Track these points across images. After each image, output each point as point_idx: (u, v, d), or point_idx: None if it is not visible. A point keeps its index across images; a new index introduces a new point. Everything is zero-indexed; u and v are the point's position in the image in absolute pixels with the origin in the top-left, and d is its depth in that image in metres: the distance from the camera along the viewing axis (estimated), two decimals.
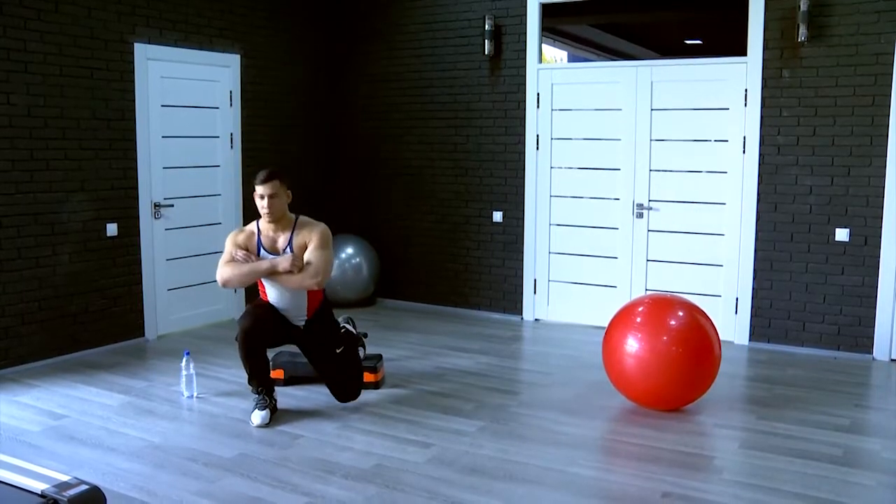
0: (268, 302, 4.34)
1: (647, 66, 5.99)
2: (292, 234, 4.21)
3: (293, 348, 5.33)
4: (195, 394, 4.64)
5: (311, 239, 4.19)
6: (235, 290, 6.47)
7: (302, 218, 4.29)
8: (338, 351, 4.44)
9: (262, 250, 4.22)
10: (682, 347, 4.16)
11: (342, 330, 4.60)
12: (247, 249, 4.22)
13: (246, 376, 4.30)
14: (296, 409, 4.43)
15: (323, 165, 7.35)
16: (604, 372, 4.58)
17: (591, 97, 6.21)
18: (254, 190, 4.18)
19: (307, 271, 4.12)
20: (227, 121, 6.36)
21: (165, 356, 5.45)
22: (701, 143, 5.86)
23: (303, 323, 4.36)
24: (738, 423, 4.22)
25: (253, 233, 4.26)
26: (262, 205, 4.14)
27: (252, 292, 4.46)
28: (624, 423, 4.26)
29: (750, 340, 5.78)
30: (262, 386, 4.26)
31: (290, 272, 4.11)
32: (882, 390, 4.83)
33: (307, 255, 4.16)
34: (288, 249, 4.19)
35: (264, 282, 4.30)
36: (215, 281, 6.33)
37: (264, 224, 4.23)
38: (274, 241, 4.23)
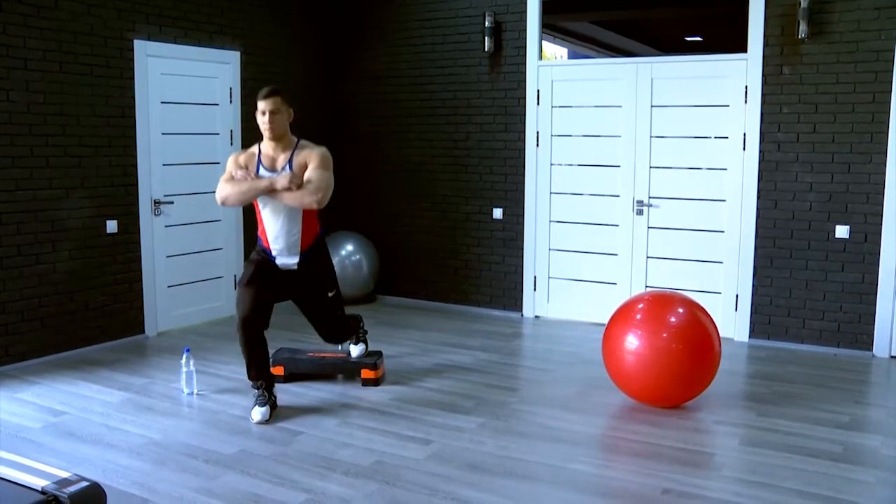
0: (264, 247, 4.27)
1: (647, 63, 5.99)
2: (293, 153, 4.16)
3: (293, 345, 5.34)
4: (195, 390, 4.65)
5: (311, 159, 4.13)
6: (235, 284, 6.47)
7: (303, 141, 4.25)
8: (330, 294, 4.43)
9: (261, 168, 4.16)
10: (682, 344, 4.16)
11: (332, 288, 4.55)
12: (246, 168, 4.17)
13: (245, 368, 4.29)
14: (296, 405, 4.43)
15: None
16: (604, 369, 4.58)
17: (592, 94, 6.21)
18: (255, 107, 4.14)
19: (307, 188, 4.05)
20: (227, 117, 6.35)
21: (165, 353, 5.45)
22: (701, 140, 5.86)
23: (296, 262, 4.27)
24: (738, 420, 4.23)
25: (254, 153, 4.22)
26: (263, 121, 4.09)
27: (250, 248, 4.40)
28: (624, 420, 4.26)
29: (750, 337, 5.78)
30: (261, 377, 4.26)
31: (288, 189, 4.04)
32: (882, 387, 4.83)
33: (307, 174, 4.09)
34: (287, 167, 4.13)
35: (261, 206, 4.21)
36: (216, 277, 6.40)
37: (265, 144, 4.19)
38: (274, 161, 4.17)
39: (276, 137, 4.14)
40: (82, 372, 5.02)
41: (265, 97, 4.09)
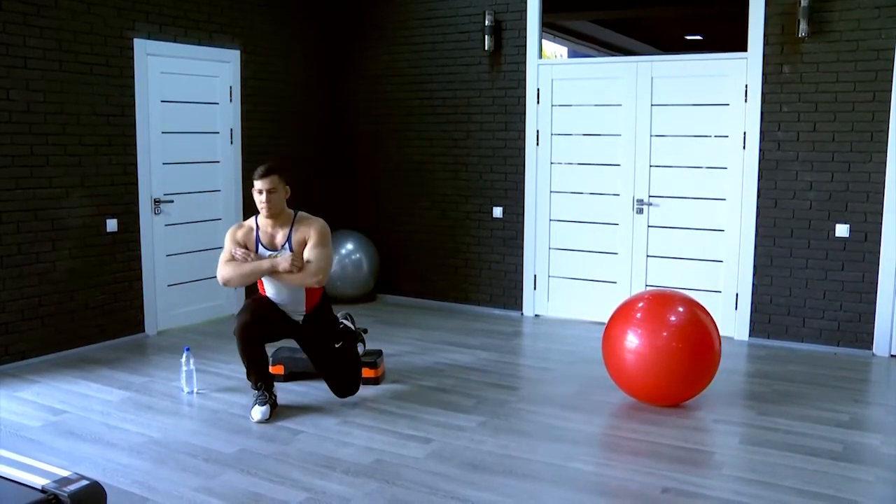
0: (266, 296, 4.34)
1: (647, 62, 5.98)
2: (291, 230, 4.19)
3: (293, 344, 5.34)
4: (195, 389, 4.65)
5: (310, 236, 4.17)
6: (236, 289, 6.47)
7: (301, 214, 4.28)
8: (336, 346, 4.44)
9: (260, 247, 4.21)
10: (681, 343, 4.16)
11: (341, 326, 4.60)
12: (245, 246, 4.21)
13: (245, 371, 4.30)
14: (296, 404, 4.43)
15: (322, 161, 7.34)
16: (604, 367, 4.58)
17: (592, 93, 6.20)
18: (252, 185, 4.17)
19: (307, 270, 4.11)
20: (227, 116, 6.35)
21: (165, 352, 5.45)
22: (701, 139, 5.85)
23: (301, 318, 4.35)
24: (738, 419, 4.23)
25: (252, 228, 4.25)
26: (260, 200, 4.12)
27: (252, 287, 4.46)
28: (624, 419, 4.26)
29: (750, 336, 5.78)
30: (261, 380, 4.26)
31: (289, 272, 4.11)
32: (882, 386, 4.83)
33: (307, 254, 4.14)
34: (287, 246, 4.17)
35: (264, 281, 4.29)
36: (216, 277, 6.37)
37: (263, 219, 4.21)
38: (272, 238, 4.22)
39: (273, 216, 4.17)
40: (82, 371, 5.02)
41: (261, 176, 4.10)
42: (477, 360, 5.33)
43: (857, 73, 5.26)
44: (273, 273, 4.13)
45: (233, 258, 4.16)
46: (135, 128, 5.67)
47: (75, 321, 5.40)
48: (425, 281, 7.04)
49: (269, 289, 4.30)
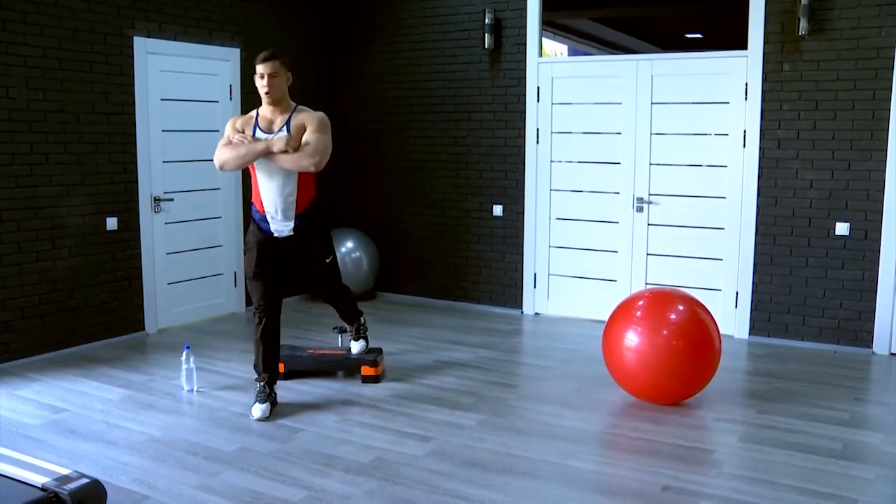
0: (256, 236, 4.25)
1: (647, 60, 5.98)
2: (290, 116, 4.15)
3: (293, 342, 5.33)
4: (195, 388, 4.65)
5: (309, 122, 4.12)
6: (235, 283, 6.47)
7: (301, 106, 4.25)
8: (327, 261, 4.45)
9: (258, 130, 4.15)
10: (682, 341, 4.16)
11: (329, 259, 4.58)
12: (243, 132, 4.17)
13: (253, 359, 4.31)
14: (296, 402, 4.43)
15: None
16: (604, 366, 4.58)
17: (592, 91, 6.20)
18: (254, 71, 4.13)
19: (304, 150, 4.03)
20: (227, 114, 6.31)
21: (166, 350, 5.45)
22: (701, 137, 5.85)
23: (291, 227, 4.21)
24: (738, 417, 4.23)
25: (251, 117, 4.23)
26: (261, 84, 4.08)
27: (247, 224, 4.41)
28: (624, 417, 4.26)
29: (750, 334, 5.78)
30: (268, 371, 4.29)
31: (285, 151, 4.02)
32: (882, 384, 4.83)
33: (305, 137, 4.07)
34: (285, 129, 4.12)
35: (257, 169, 4.18)
36: (216, 275, 6.40)
37: (264, 108, 4.19)
38: (271, 123, 4.17)
39: (275, 101, 4.13)
40: (82, 369, 5.02)
41: (263, 60, 4.09)
42: (477, 358, 5.33)
43: (858, 72, 5.25)
44: (268, 155, 4.05)
45: (230, 143, 4.12)
46: (135, 126, 5.67)
47: (75, 319, 5.40)
48: (425, 279, 7.04)
49: (262, 183, 4.19)
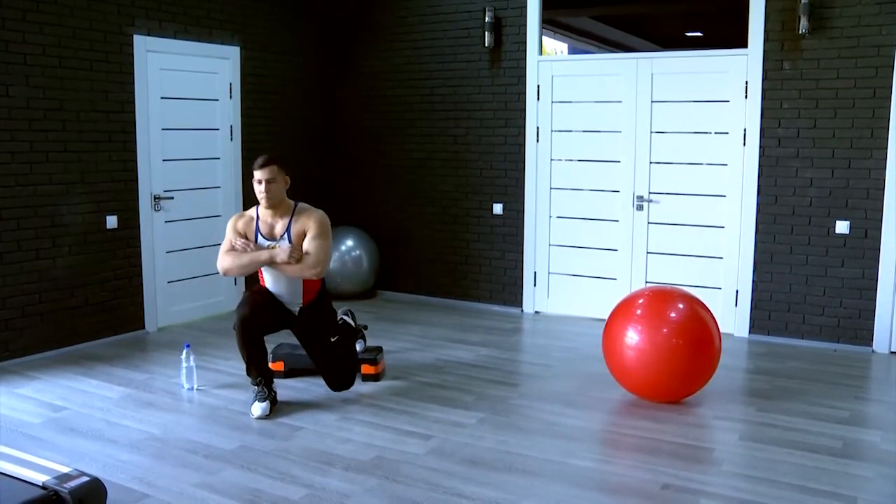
0: (265, 288, 4.37)
1: (647, 59, 5.98)
2: (290, 220, 4.21)
3: (293, 340, 5.33)
4: (195, 386, 4.65)
5: (310, 227, 4.19)
6: (235, 281, 6.47)
7: (301, 205, 4.30)
8: (332, 340, 4.45)
9: (259, 236, 4.23)
10: (682, 339, 4.16)
11: (340, 321, 4.62)
12: (245, 236, 4.24)
13: (244, 366, 4.30)
14: (296, 400, 4.44)
15: (323, 157, 7.34)
16: (604, 364, 4.58)
17: (592, 89, 6.20)
18: (252, 175, 4.18)
19: (306, 262, 4.14)
20: (227, 113, 6.34)
21: (165, 348, 5.45)
22: (701, 136, 5.85)
23: (298, 309, 4.37)
24: (738, 416, 4.23)
25: (252, 218, 4.28)
26: (259, 189, 4.14)
27: (252, 278, 4.48)
28: (624, 415, 4.27)
29: (750, 333, 5.78)
30: (261, 375, 4.27)
31: (287, 263, 4.13)
32: (881, 382, 4.84)
33: (306, 245, 4.17)
34: (286, 236, 4.19)
35: (263, 271, 4.32)
36: (216, 273, 6.36)
37: (263, 210, 4.24)
38: (272, 228, 4.24)
39: (273, 206, 4.20)
40: (82, 367, 5.02)
41: (261, 166, 4.14)
42: (477, 356, 5.33)
43: (858, 70, 5.25)
44: (271, 264, 4.16)
45: (233, 248, 4.19)
46: (135, 124, 5.66)
47: (75, 318, 5.40)
48: (425, 277, 7.04)
49: (268, 279, 4.33)
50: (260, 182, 4.13)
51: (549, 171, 6.39)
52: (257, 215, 4.27)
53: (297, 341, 4.80)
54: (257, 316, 4.18)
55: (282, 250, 4.13)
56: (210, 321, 6.23)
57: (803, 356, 5.32)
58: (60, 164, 5.23)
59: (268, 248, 4.19)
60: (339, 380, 4.51)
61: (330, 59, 7.30)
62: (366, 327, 5.16)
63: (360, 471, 3.54)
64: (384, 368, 4.92)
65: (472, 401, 4.45)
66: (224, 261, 4.19)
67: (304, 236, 4.19)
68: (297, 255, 4.14)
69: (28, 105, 5.03)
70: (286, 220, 4.22)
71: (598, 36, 6.62)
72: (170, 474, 3.50)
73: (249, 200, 6.28)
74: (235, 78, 6.37)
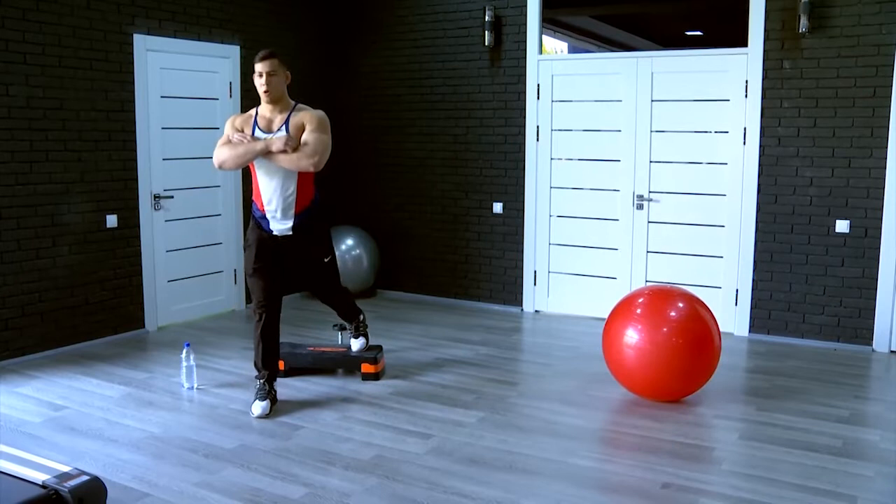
0: (256, 233, 4.26)
1: (647, 58, 5.98)
2: (289, 115, 4.14)
3: (293, 339, 5.33)
4: (195, 385, 4.65)
5: (309, 121, 4.10)
6: (235, 280, 6.47)
7: (300, 104, 4.24)
8: (326, 260, 4.45)
9: (257, 130, 4.14)
10: (681, 339, 4.16)
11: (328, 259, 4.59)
12: (242, 131, 4.16)
13: (252, 357, 4.32)
14: (296, 399, 4.44)
15: None
16: (604, 363, 4.58)
17: (592, 88, 6.20)
18: (253, 70, 4.13)
19: (303, 150, 4.02)
20: (227, 112, 6.33)
21: (165, 347, 5.45)
22: (701, 135, 5.85)
23: (290, 226, 4.22)
24: (738, 415, 4.23)
25: (250, 115, 4.22)
26: (260, 83, 4.08)
27: (248, 218, 4.41)
28: (624, 415, 4.27)
29: (750, 332, 5.78)
30: (268, 368, 4.29)
31: (283, 151, 4.02)
32: (881, 382, 4.84)
33: (304, 137, 4.07)
34: (284, 128, 4.10)
35: (256, 168, 4.18)
36: (216, 272, 6.40)
37: (263, 107, 4.18)
38: (270, 122, 4.16)
39: (274, 100, 4.12)
40: (82, 366, 5.02)
41: (262, 59, 4.08)
42: (477, 355, 5.33)
43: (858, 69, 5.25)
44: (267, 154, 4.05)
45: (230, 142, 4.12)
46: (134, 123, 5.66)
47: (75, 317, 5.40)
48: (425, 277, 7.04)
49: (262, 182, 4.19)
50: (261, 75, 4.06)
51: (549, 170, 6.39)
52: (256, 113, 4.21)
53: (297, 340, 4.82)
54: (273, 296, 4.24)
55: (278, 139, 4.03)
56: (210, 320, 6.23)
57: (803, 355, 5.32)
58: (60, 163, 5.23)
59: (264, 140, 4.09)
60: (339, 302, 4.71)
61: (330, 58, 7.29)
62: (367, 326, 5.16)
63: (360, 470, 3.54)
64: (384, 367, 4.92)
65: (472, 400, 4.45)
66: (220, 153, 4.11)
67: (303, 131, 4.09)
68: (293, 143, 4.02)
69: (28, 104, 5.03)
70: (285, 115, 4.14)
71: (598, 35, 6.62)
72: (170, 473, 3.50)
73: (249, 199, 6.28)
74: (235, 77, 6.37)
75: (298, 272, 4.50)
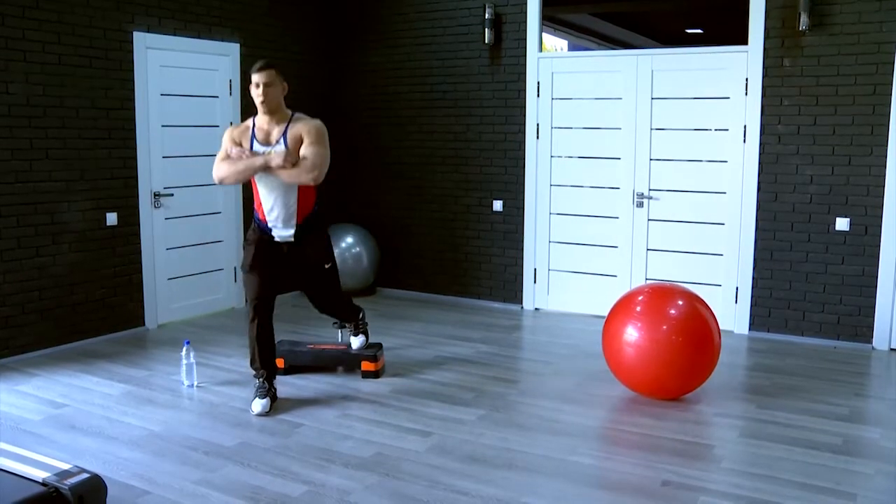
0: (257, 234, 4.26)
1: (647, 55, 5.97)
2: (287, 126, 4.13)
3: (293, 338, 5.34)
4: (195, 383, 4.65)
5: (306, 134, 4.09)
6: (235, 279, 6.47)
7: (298, 114, 4.22)
8: (326, 267, 4.44)
9: (255, 143, 4.13)
10: (681, 336, 4.16)
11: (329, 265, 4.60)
12: (241, 144, 4.15)
13: (249, 356, 4.32)
14: (296, 397, 4.44)
15: None
16: (604, 361, 4.59)
17: (592, 86, 6.19)
18: (250, 80, 4.12)
19: (302, 166, 4.02)
20: (227, 110, 6.34)
21: (166, 345, 5.45)
22: (701, 133, 5.85)
23: (292, 234, 4.24)
24: (738, 413, 4.23)
25: (248, 127, 4.20)
26: (257, 94, 4.06)
27: (249, 223, 4.41)
28: (624, 412, 4.27)
29: (750, 330, 5.78)
30: (266, 368, 4.28)
31: (283, 167, 4.01)
32: (881, 379, 4.84)
33: (302, 151, 4.06)
34: (282, 141, 4.09)
35: (257, 180, 4.19)
36: (216, 270, 6.40)
37: (260, 117, 4.17)
38: (268, 134, 4.14)
39: (271, 111, 4.11)
40: (83, 364, 5.02)
41: (259, 70, 4.06)
42: (477, 353, 5.33)
43: (858, 67, 5.25)
44: (267, 169, 4.05)
45: (228, 157, 4.11)
46: (134, 121, 5.66)
47: (75, 315, 5.40)
48: (425, 274, 7.04)
49: (263, 194, 4.19)
50: (258, 86, 4.05)
51: (549, 168, 6.38)
52: (253, 124, 4.19)
53: (297, 338, 4.82)
54: (268, 294, 4.23)
55: (277, 154, 4.02)
56: (210, 318, 6.23)
57: (803, 353, 5.32)
58: (60, 161, 5.22)
59: (263, 154, 4.09)
60: (338, 309, 4.68)
61: (330, 55, 7.29)
62: (366, 324, 5.16)
63: (361, 467, 3.54)
64: (384, 365, 4.92)
65: (472, 397, 4.45)
66: (219, 169, 4.10)
67: (301, 143, 4.08)
68: (292, 158, 4.02)
69: (28, 102, 5.02)
70: (283, 127, 4.13)
71: (598, 33, 6.61)
72: (170, 471, 3.51)
73: (249, 200, 6.28)
74: (235, 75, 6.37)
75: (298, 277, 4.49)
